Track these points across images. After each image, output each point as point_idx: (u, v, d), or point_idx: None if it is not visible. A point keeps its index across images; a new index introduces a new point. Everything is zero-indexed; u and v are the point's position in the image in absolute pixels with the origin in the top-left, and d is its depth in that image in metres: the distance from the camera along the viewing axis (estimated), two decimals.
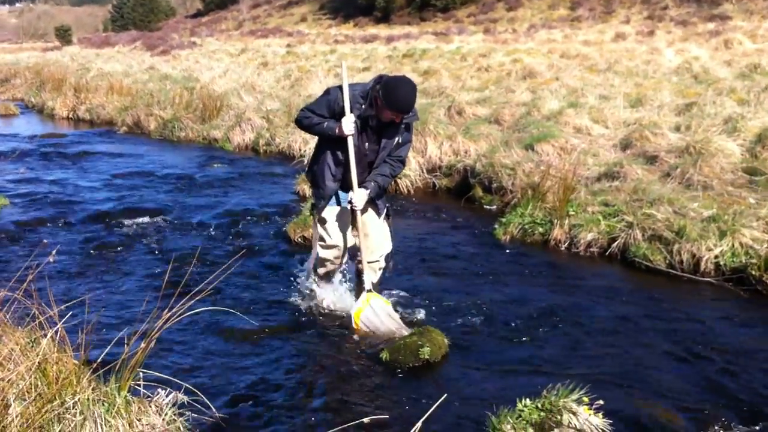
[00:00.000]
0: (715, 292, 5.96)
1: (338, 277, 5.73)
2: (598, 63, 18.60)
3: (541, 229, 7.39)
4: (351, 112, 4.88)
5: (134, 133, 15.79)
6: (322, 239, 5.37)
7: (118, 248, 7.19)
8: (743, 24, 28.67)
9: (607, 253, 6.86)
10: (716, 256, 6.20)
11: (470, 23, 43.44)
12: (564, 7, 43.16)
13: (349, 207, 5.20)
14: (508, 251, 7.13)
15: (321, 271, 5.57)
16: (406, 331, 5.04)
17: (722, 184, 7.50)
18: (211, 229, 7.89)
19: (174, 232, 7.79)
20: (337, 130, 4.91)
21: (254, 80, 18.80)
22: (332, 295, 5.65)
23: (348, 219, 5.31)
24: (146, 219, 8.24)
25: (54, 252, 6.40)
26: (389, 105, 4.73)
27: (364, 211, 5.23)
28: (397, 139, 5.05)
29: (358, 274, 5.69)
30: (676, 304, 5.72)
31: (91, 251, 7.08)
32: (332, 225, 5.29)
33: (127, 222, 8.12)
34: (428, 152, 10.15)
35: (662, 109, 11.39)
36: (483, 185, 8.99)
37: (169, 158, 12.59)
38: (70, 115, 18.92)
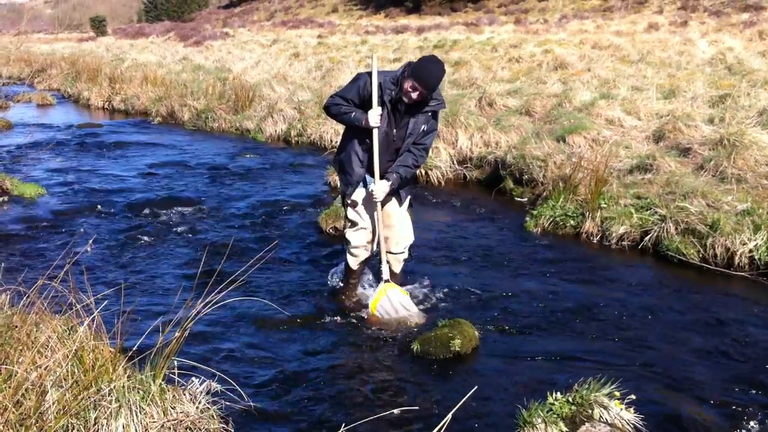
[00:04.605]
0: (749, 287, 5.91)
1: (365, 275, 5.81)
2: (631, 54, 18.41)
3: (572, 222, 7.36)
4: (381, 99, 4.91)
5: (168, 123, 15.94)
6: (354, 224, 5.41)
7: (154, 238, 7.29)
8: None
9: (639, 247, 6.81)
10: (750, 251, 6.14)
11: (501, 13, 43.29)
12: None
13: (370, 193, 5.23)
14: (539, 243, 7.11)
15: (353, 263, 5.58)
16: (420, 320, 5.20)
17: (757, 177, 7.40)
18: (244, 220, 7.96)
19: (208, 222, 7.87)
20: (363, 122, 4.94)
21: (286, 71, 18.86)
22: (361, 289, 5.72)
23: (375, 203, 5.33)
24: (181, 209, 8.34)
25: (91, 241, 6.56)
26: (413, 74, 4.76)
27: (386, 201, 5.27)
28: (423, 126, 5.06)
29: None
30: (709, 298, 5.67)
31: (127, 240, 7.18)
32: (362, 207, 5.33)
33: (162, 212, 8.22)
34: (459, 144, 10.13)
35: (696, 101, 11.25)
36: (514, 177, 8.97)
37: (202, 148, 12.69)
38: (106, 106, 19.10)
